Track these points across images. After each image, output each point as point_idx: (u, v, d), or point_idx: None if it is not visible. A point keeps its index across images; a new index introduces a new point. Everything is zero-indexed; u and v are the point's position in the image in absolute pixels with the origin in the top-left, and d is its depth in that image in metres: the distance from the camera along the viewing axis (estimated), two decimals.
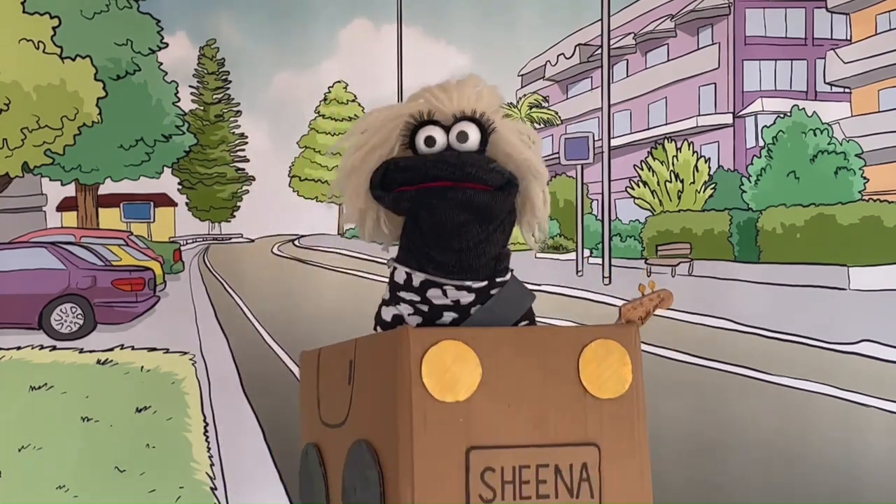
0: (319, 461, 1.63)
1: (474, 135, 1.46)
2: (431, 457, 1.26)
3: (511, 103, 6.04)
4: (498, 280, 1.48)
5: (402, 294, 1.48)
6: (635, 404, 1.45)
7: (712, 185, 5.85)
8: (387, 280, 1.54)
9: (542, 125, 6.30)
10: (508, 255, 1.52)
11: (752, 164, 5.72)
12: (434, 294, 1.45)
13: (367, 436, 1.37)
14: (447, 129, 1.47)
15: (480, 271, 1.45)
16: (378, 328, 1.51)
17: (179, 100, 5.50)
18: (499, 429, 1.33)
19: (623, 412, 1.43)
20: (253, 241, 5.81)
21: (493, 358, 1.32)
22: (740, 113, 5.87)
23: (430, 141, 1.46)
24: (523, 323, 1.50)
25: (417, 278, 1.46)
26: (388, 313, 1.51)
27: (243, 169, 6.00)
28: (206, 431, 4.57)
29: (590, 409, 1.39)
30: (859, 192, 5.41)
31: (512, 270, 1.52)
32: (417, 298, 1.47)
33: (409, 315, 1.47)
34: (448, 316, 1.45)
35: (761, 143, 5.71)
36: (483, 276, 1.45)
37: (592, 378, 1.39)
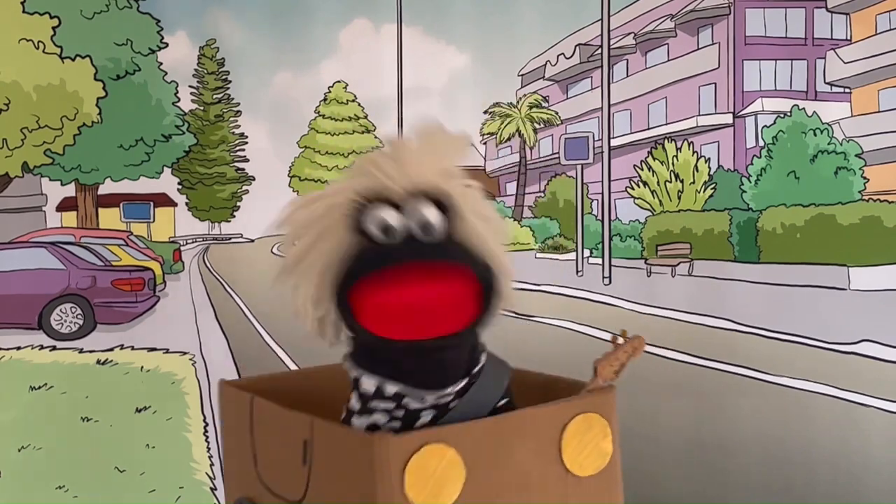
0: None
1: (438, 221, 1.21)
2: None
3: (511, 103, 6.04)
4: (474, 372, 1.34)
5: (374, 404, 1.32)
6: (614, 476, 1.38)
7: (712, 185, 5.85)
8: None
9: (542, 125, 6.30)
10: (479, 339, 1.36)
11: (752, 164, 5.72)
12: (411, 401, 1.31)
13: None
14: (400, 209, 1.22)
15: (459, 373, 1.31)
16: None
17: (179, 100, 5.49)
18: None
19: (603, 486, 1.36)
20: (253, 241, 5.81)
21: (476, 454, 1.24)
22: (740, 113, 5.87)
23: (384, 228, 1.20)
24: (503, 401, 1.38)
25: (390, 389, 1.29)
26: (360, 423, 1.33)
27: (243, 169, 6.00)
28: (206, 431, 4.57)
29: (571, 488, 1.33)
30: (859, 192, 5.40)
31: (484, 350, 1.36)
32: (392, 406, 1.31)
33: (384, 423, 1.33)
34: (426, 415, 1.32)
35: (761, 143, 5.70)
36: (462, 375, 1.32)
37: (573, 456, 1.33)
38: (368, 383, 1.32)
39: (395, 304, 1.18)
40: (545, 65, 6.25)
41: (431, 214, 1.21)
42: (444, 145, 1.32)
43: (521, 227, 6.12)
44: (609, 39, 5.54)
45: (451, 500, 1.21)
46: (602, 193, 5.61)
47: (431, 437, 1.21)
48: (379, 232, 1.21)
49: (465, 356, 1.33)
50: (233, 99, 5.84)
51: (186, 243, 6.02)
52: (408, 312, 1.18)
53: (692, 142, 5.92)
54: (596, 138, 5.58)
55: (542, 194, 6.30)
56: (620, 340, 1.45)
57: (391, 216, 1.21)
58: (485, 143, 6.27)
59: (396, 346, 1.22)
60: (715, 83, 5.95)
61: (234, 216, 6.00)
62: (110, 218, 5.63)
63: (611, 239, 5.56)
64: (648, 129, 6.10)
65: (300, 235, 1.32)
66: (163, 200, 5.72)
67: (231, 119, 5.92)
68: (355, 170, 1.32)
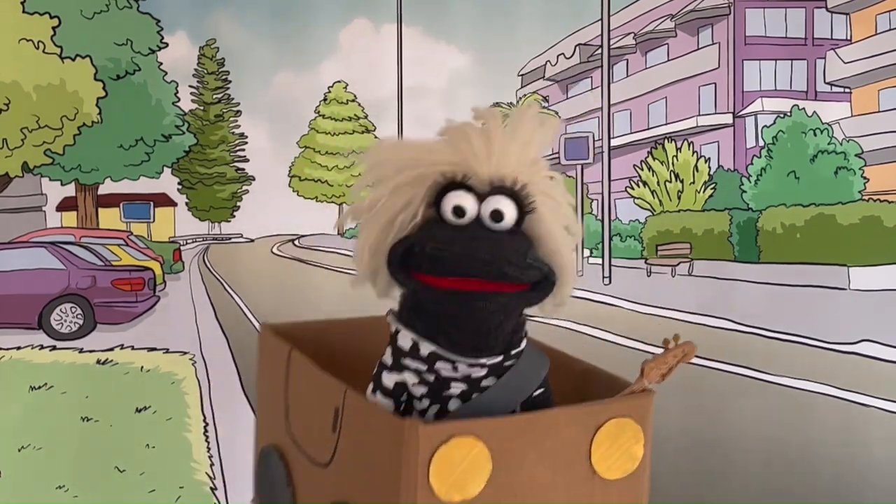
0: (286, 476, 1.50)
1: (511, 213, 1.26)
2: None
3: (511, 103, 6.05)
4: (513, 352, 1.35)
5: (407, 362, 1.33)
6: (641, 481, 1.38)
7: (712, 185, 5.85)
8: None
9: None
10: (525, 324, 1.39)
11: (752, 164, 5.73)
12: (443, 366, 1.31)
13: (353, 502, 1.30)
14: (480, 196, 1.27)
15: (497, 348, 1.32)
16: (377, 393, 1.35)
17: (179, 100, 5.49)
18: None
19: (629, 490, 1.36)
20: (253, 241, 5.81)
21: (503, 450, 1.23)
22: (740, 113, 5.87)
23: (458, 212, 1.26)
24: (539, 391, 1.38)
25: (426, 348, 1.31)
26: (389, 380, 1.34)
27: (243, 169, 6.00)
28: (206, 431, 4.57)
29: (597, 492, 1.32)
30: (859, 192, 5.41)
31: (527, 335, 1.39)
32: (424, 368, 1.32)
33: (413, 384, 1.33)
34: (456, 388, 1.32)
35: (761, 143, 5.71)
36: (498, 351, 1.32)
37: (602, 459, 1.31)
38: (405, 338, 1.32)
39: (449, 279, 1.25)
40: (545, 65, 6.26)
41: (507, 209, 1.26)
42: (534, 131, 1.35)
43: None
44: (609, 39, 5.54)
45: (475, 493, 1.21)
46: (602, 193, 5.62)
47: (461, 430, 1.21)
48: (452, 215, 1.26)
49: (506, 329, 1.33)
50: (233, 99, 5.85)
51: (186, 243, 6.02)
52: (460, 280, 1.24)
53: (692, 142, 5.92)
54: (596, 138, 5.58)
55: None
56: (672, 344, 1.42)
57: (468, 203, 1.26)
58: None
59: (439, 292, 1.25)
60: (715, 83, 5.95)
61: (234, 216, 6.01)
62: (110, 218, 5.63)
63: (611, 239, 5.56)
64: (648, 129, 6.10)
65: (377, 185, 1.33)
66: (163, 200, 5.72)
67: (231, 119, 5.93)
68: (447, 137, 1.34)
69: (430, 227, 1.27)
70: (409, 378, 1.32)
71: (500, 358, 1.32)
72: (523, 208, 1.26)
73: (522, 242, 1.27)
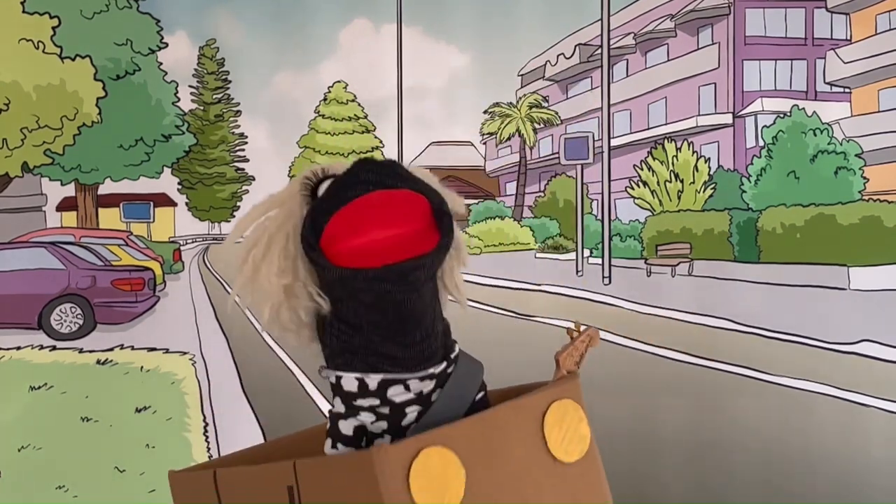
0: None
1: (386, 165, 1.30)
2: None
3: (511, 103, 6.04)
4: (452, 356, 1.35)
5: (359, 402, 1.31)
6: (596, 459, 1.40)
7: (712, 185, 5.85)
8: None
9: (542, 125, 6.30)
10: (449, 325, 1.39)
11: (752, 164, 5.72)
12: (395, 392, 1.30)
13: None
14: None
15: (437, 353, 1.32)
16: (338, 445, 1.32)
17: (179, 100, 5.49)
18: None
19: (589, 470, 1.39)
20: None
21: (470, 454, 1.24)
22: (740, 113, 5.87)
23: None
24: (479, 394, 1.40)
25: (373, 380, 1.29)
26: (347, 427, 1.31)
27: (243, 169, 6.00)
28: (205, 431, 4.57)
29: (562, 478, 1.35)
30: (859, 192, 5.41)
31: (455, 341, 1.39)
32: (377, 402, 1.30)
33: (372, 423, 1.31)
34: (412, 411, 1.31)
35: (761, 143, 5.71)
36: (440, 357, 1.33)
37: (558, 444, 1.35)
38: (349, 381, 1.31)
39: (366, 242, 1.23)
40: (545, 65, 6.26)
41: (379, 161, 1.30)
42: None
43: (521, 227, 6.12)
44: (609, 39, 5.54)
45: (458, 499, 1.21)
46: (602, 193, 5.62)
47: (426, 441, 1.22)
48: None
49: (439, 329, 1.34)
50: (233, 99, 5.85)
51: (186, 243, 6.02)
52: (379, 246, 1.23)
53: (692, 142, 5.92)
54: (596, 138, 5.58)
55: (542, 194, 6.30)
56: (576, 333, 1.48)
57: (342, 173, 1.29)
58: (485, 143, 6.27)
59: (375, 273, 1.23)
60: (715, 83, 5.95)
61: (234, 216, 6.01)
62: (110, 218, 5.63)
63: (611, 239, 5.56)
64: (648, 129, 6.10)
65: (251, 242, 1.36)
66: (163, 200, 5.72)
67: (231, 119, 5.93)
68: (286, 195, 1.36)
69: (327, 190, 1.28)
70: (366, 418, 1.30)
71: (443, 365, 1.33)
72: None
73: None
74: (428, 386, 1.31)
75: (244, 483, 1.41)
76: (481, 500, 1.23)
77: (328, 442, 1.34)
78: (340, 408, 1.33)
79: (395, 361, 1.28)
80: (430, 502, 1.18)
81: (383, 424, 1.31)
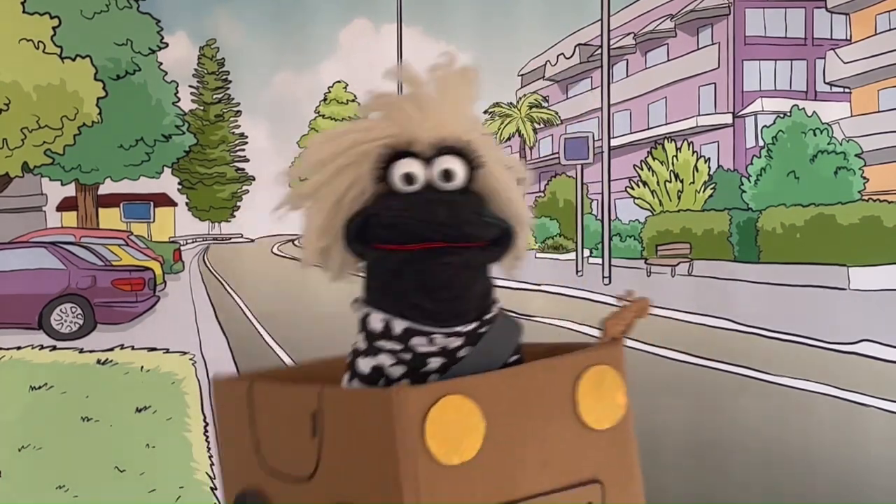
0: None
1: (460, 171, 1.26)
2: None
3: (511, 103, 6.05)
4: (486, 318, 1.33)
5: (381, 343, 1.30)
6: (629, 428, 1.37)
7: (712, 185, 5.85)
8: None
9: (542, 125, 6.30)
10: (493, 288, 1.37)
11: (752, 164, 5.72)
12: (418, 342, 1.28)
13: (351, 500, 1.31)
14: (426, 160, 1.26)
15: (470, 313, 1.30)
16: (355, 381, 1.33)
17: (179, 100, 5.50)
18: (505, 483, 1.24)
19: (619, 440, 1.36)
20: (253, 241, 5.82)
21: (493, 407, 1.22)
22: (740, 113, 5.87)
23: (408, 179, 1.25)
24: (514, 357, 1.37)
25: (398, 326, 1.28)
26: (365, 365, 1.32)
27: (243, 169, 6.00)
28: (206, 431, 4.57)
29: (589, 444, 1.32)
30: (859, 192, 5.41)
31: (497, 303, 1.37)
32: (399, 347, 1.29)
33: (390, 366, 1.30)
34: (434, 362, 1.29)
35: (761, 143, 5.71)
36: (472, 317, 1.30)
37: (590, 410, 1.31)
38: (376, 320, 1.30)
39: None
40: (545, 65, 6.26)
41: (456, 167, 1.27)
42: (459, 87, 1.37)
43: None
44: (609, 39, 5.54)
45: (473, 452, 1.20)
46: (602, 193, 5.62)
47: (450, 389, 1.20)
48: (402, 184, 1.26)
49: (476, 292, 1.31)
50: (233, 99, 5.85)
51: (186, 243, 6.02)
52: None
53: (692, 142, 5.92)
54: (596, 138, 5.58)
55: (542, 194, 6.30)
56: (626, 301, 1.44)
57: (416, 168, 1.26)
58: None
59: (403, 255, 1.24)
60: (715, 83, 5.95)
61: (234, 216, 6.01)
62: (110, 218, 5.63)
63: (611, 239, 5.56)
64: (648, 129, 6.10)
65: (318, 171, 1.33)
66: (163, 200, 5.73)
67: (231, 119, 5.93)
68: (379, 111, 1.35)
69: (384, 199, 1.26)
70: (385, 360, 1.30)
71: (474, 325, 1.30)
72: (472, 164, 1.27)
73: (476, 200, 1.27)
74: (455, 342, 1.29)
75: (274, 400, 1.42)
76: (498, 454, 1.21)
77: (346, 376, 1.35)
78: (362, 345, 1.33)
79: (424, 313, 1.27)
80: (443, 450, 1.17)
81: (402, 369, 1.30)
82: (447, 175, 1.25)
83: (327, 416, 1.28)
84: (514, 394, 1.26)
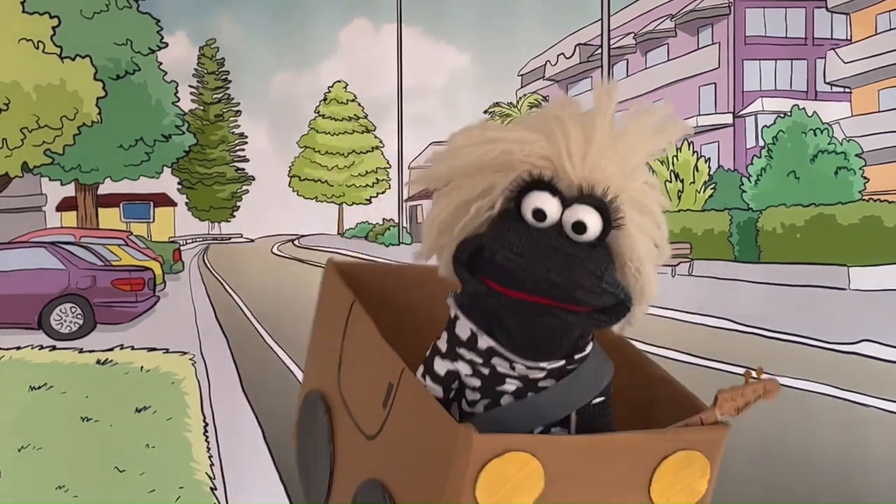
0: (329, 433, 1.41)
1: (595, 227, 1.15)
2: None
3: (511, 103, 6.04)
4: (577, 356, 1.26)
5: (462, 352, 1.25)
6: None
7: (712, 185, 5.85)
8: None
9: None
10: (591, 330, 1.28)
11: (752, 163, 5.72)
12: (499, 363, 1.23)
13: (391, 488, 1.23)
14: (565, 202, 1.15)
15: (559, 353, 1.24)
16: (427, 378, 1.28)
17: (179, 100, 5.49)
18: None
19: None
20: (253, 241, 5.81)
21: (559, 470, 1.15)
22: (740, 113, 5.87)
23: (539, 215, 1.14)
24: (597, 399, 1.30)
25: (484, 342, 1.22)
26: (441, 367, 1.27)
27: (243, 169, 6.00)
28: (206, 431, 4.57)
29: None
30: (859, 192, 5.41)
31: (593, 339, 1.29)
32: (480, 361, 1.24)
33: (467, 375, 1.25)
34: (511, 384, 1.24)
35: (761, 143, 5.71)
36: (560, 356, 1.24)
37: (662, 491, 1.22)
38: (464, 328, 1.25)
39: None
40: (545, 65, 6.25)
41: (591, 222, 1.15)
42: (645, 140, 1.24)
43: None
44: (609, 39, 5.54)
45: None
46: None
47: (517, 444, 1.14)
48: (531, 217, 1.16)
49: (572, 337, 1.25)
50: (233, 99, 5.84)
51: (186, 243, 6.02)
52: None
53: (692, 142, 5.92)
54: None
55: None
56: (753, 376, 1.34)
57: (551, 208, 1.15)
58: None
59: (505, 299, 1.16)
60: (715, 83, 5.95)
61: (234, 216, 6.01)
62: (110, 218, 5.63)
63: None
64: None
65: (460, 161, 1.22)
66: (163, 200, 5.72)
67: (231, 119, 5.92)
68: (543, 127, 1.20)
69: (505, 227, 1.16)
70: (463, 368, 1.26)
71: (562, 362, 1.24)
72: (610, 222, 1.16)
73: (601, 262, 1.16)
74: (536, 374, 1.24)
75: (364, 339, 1.38)
76: None
77: (420, 368, 1.30)
78: (443, 345, 1.28)
79: (511, 342, 1.22)
80: (491, 501, 1.12)
81: (477, 382, 1.25)
82: (578, 227, 1.14)
83: (399, 398, 1.25)
84: (585, 462, 1.19)
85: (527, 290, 1.14)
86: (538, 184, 1.16)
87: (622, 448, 1.22)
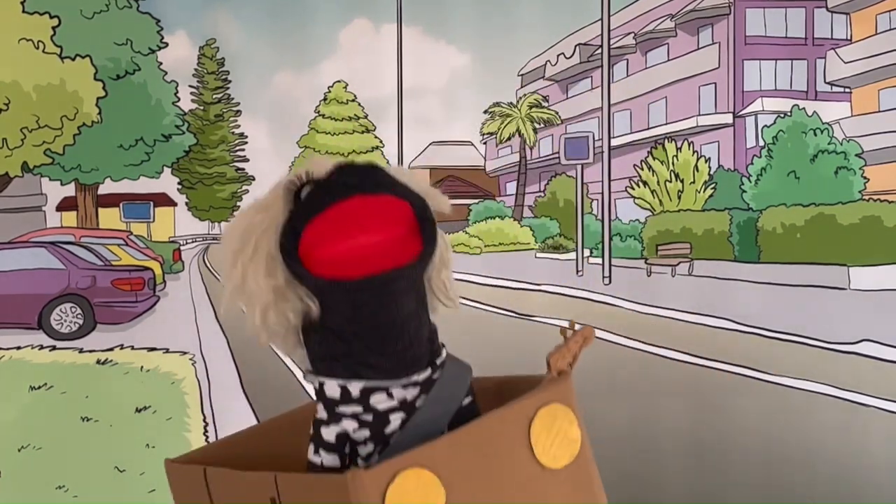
0: None
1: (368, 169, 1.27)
2: None
3: (511, 103, 6.04)
4: (438, 362, 1.32)
5: (342, 409, 1.30)
6: (589, 462, 1.36)
7: (712, 185, 5.85)
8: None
9: (543, 125, 6.30)
10: (436, 330, 1.35)
11: (752, 163, 5.73)
12: (378, 399, 1.28)
13: None
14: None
15: (422, 359, 1.29)
16: (321, 451, 1.32)
17: (179, 100, 5.49)
18: None
19: (579, 473, 1.34)
20: None
21: (452, 472, 1.21)
22: (740, 113, 5.87)
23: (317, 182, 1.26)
24: (467, 399, 1.36)
25: (355, 388, 1.28)
26: (329, 434, 1.31)
27: (243, 169, 6.00)
28: (205, 431, 4.57)
29: (551, 484, 1.31)
30: (859, 192, 5.41)
31: (443, 345, 1.35)
32: (360, 409, 1.29)
33: (354, 431, 1.30)
34: (395, 418, 1.29)
35: (761, 143, 5.71)
36: (425, 363, 1.30)
37: (545, 451, 1.30)
38: (332, 387, 1.29)
39: (346, 249, 1.21)
40: (545, 65, 6.26)
41: (359, 165, 1.26)
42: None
43: (521, 226, 6.12)
44: (609, 39, 5.54)
45: None
46: (602, 193, 5.61)
47: (403, 463, 1.19)
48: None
49: (424, 335, 1.30)
50: (233, 99, 5.85)
51: (186, 243, 6.02)
52: (359, 254, 1.21)
53: (692, 142, 5.92)
54: (596, 138, 5.58)
55: (542, 194, 6.30)
56: (570, 332, 1.42)
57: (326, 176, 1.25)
58: (485, 143, 6.27)
59: (353, 285, 1.22)
60: (715, 83, 5.95)
61: (234, 216, 6.01)
62: (110, 218, 5.63)
63: (611, 239, 5.56)
64: (648, 128, 6.10)
65: (233, 258, 1.30)
66: (163, 200, 5.73)
67: (231, 119, 5.93)
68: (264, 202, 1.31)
69: (301, 199, 1.24)
70: (349, 425, 1.29)
71: (428, 372, 1.30)
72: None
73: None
74: (412, 393, 1.29)
75: (230, 487, 1.40)
76: None
77: (311, 448, 1.33)
78: (323, 414, 1.31)
79: (378, 370, 1.27)
80: None
81: (366, 432, 1.29)
82: (357, 170, 1.25)
83: (287, 499, 1.27)
84: (469, 454, 1.25)
85: (348, 194, 1.21)
86: (307, 183, 1.24)
87: (493, 426, 1.29)
